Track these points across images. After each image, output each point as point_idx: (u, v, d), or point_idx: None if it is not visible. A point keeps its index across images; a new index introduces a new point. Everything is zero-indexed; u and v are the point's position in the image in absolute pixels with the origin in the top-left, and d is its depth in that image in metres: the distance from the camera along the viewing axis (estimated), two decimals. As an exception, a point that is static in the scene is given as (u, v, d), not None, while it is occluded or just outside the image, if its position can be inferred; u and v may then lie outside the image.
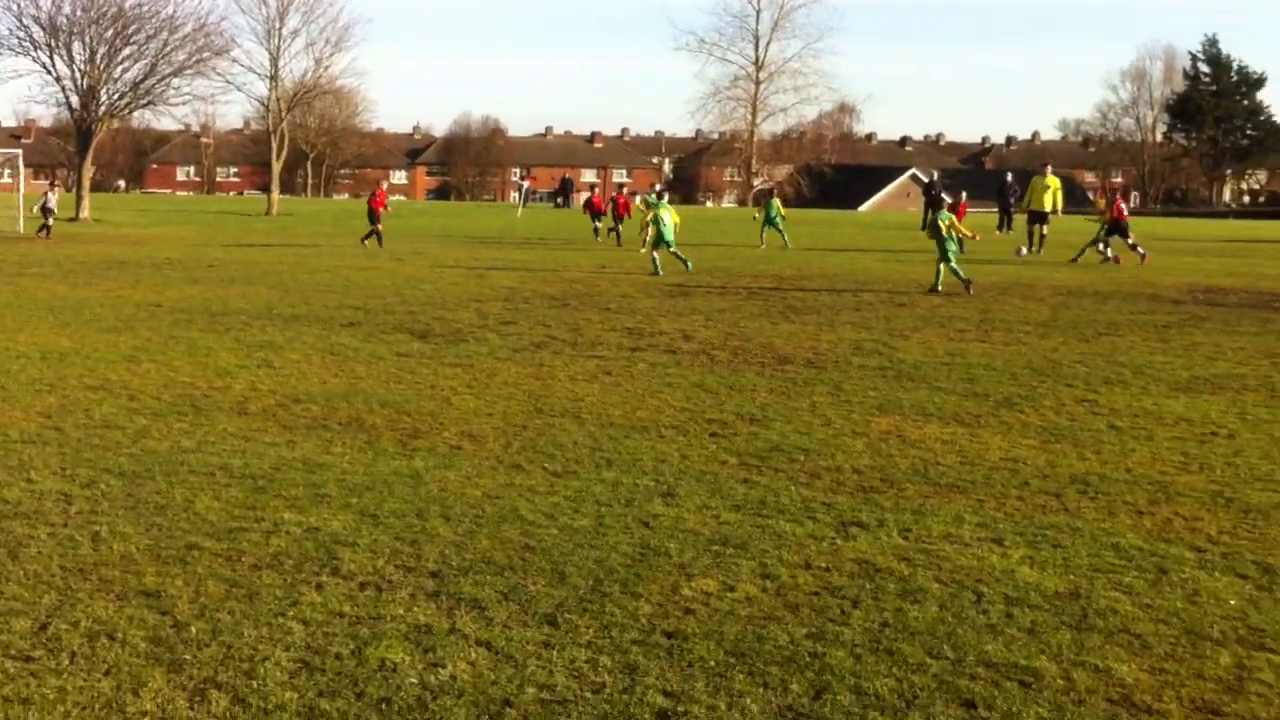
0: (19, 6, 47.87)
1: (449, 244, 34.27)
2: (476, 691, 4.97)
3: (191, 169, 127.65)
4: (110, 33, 49.03)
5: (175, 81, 50.64)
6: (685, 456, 9.00)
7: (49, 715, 4.73)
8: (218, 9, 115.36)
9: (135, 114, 59.07)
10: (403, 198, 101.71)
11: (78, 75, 49.29)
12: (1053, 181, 32.65)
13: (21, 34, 48.19)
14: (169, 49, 49.59)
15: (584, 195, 54.88)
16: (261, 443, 9.21)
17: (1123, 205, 28.77)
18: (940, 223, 20.76)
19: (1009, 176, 45.43)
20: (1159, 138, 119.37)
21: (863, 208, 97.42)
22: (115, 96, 50.53)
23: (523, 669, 5.18)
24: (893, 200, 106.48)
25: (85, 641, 5.38)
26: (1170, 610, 5.97)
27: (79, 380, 11.64)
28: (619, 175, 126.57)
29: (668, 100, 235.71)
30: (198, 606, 5.81)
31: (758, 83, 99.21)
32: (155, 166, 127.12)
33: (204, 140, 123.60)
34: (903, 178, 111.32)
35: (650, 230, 25.98)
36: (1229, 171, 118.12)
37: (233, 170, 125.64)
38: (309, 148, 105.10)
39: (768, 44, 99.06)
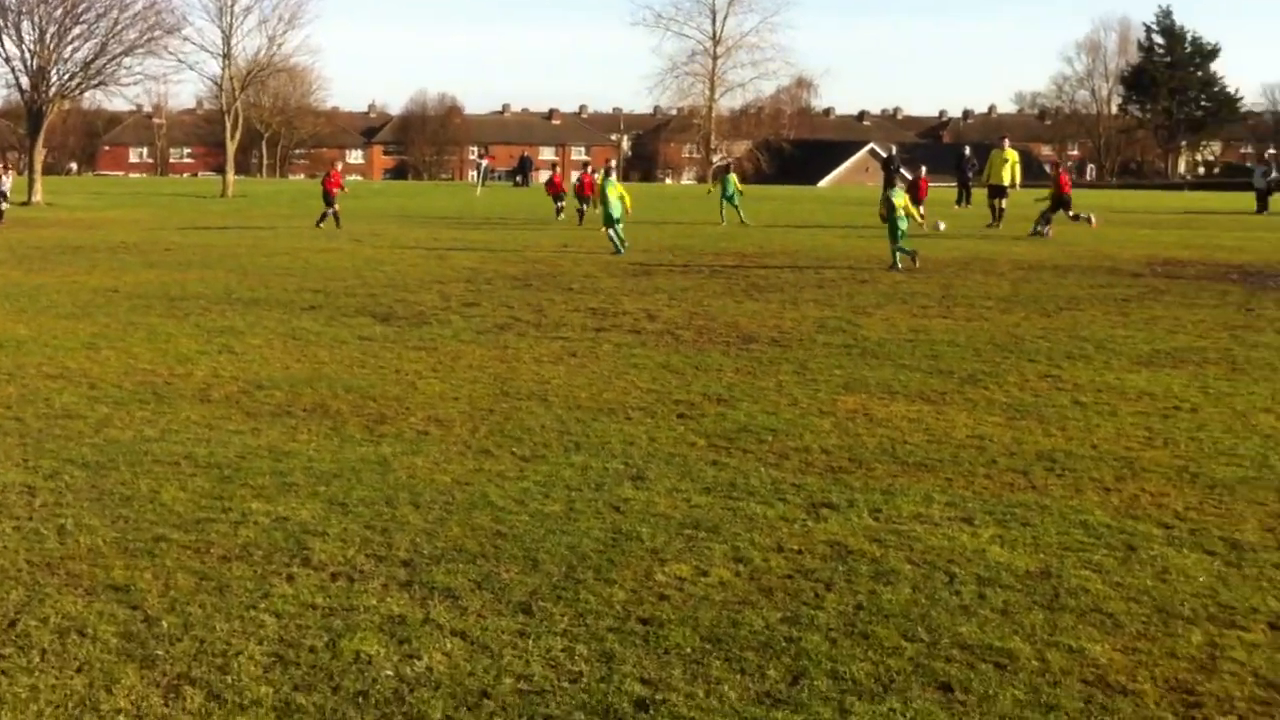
0: (-35, -13, 47.18)
1: (408, 224, 34.05)
2: (453, 683, 4.95)
3: (144, 150, 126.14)
4: (59, 12, 48.48)
5: (126, 61, 50.21)
6: (654, 439, 8.99)
7: (22, 714, 4.67)
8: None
9: (86, 95, 58.45)
10: (360, 178, 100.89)
11: (27, 56, 48.71)
12: (1011, 155, 32.77)
13: (-31, 15, 47.52)
14: (119, 28, 49.11)
15: (544, 174, 54.63)
16: (226, 431, 9.13)
17: (1066, 179, 29.22)
18: (895, 200, 20.84)
19: (967, 150, 45.54)
20: (1114, 110, 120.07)
21: (822, 183, 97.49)
22: (66, 77, 50.00)
23: (499, 659, 5.16)
24: (852, 175, 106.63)
25: (55, 638, 5.32)
26: (1141, 588, 6.02)
27: (37, 369, 11.49)
28: (577, 153, 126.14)
29: (625, 76, 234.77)
30: (168, 600, 5.75)
31: (715, 58, 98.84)
32: (108, 148, 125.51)
33: (156, 121, 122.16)
34: (861, 152, 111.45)
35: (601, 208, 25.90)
36: (1184, 143, 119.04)
37: (186, 151, 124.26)
38: (264, 127, 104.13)
39: (724, 18, 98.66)
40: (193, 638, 5.34)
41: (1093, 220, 28.49)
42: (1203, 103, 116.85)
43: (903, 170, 46.21)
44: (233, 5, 57.50)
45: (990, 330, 14.25)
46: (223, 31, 58.13)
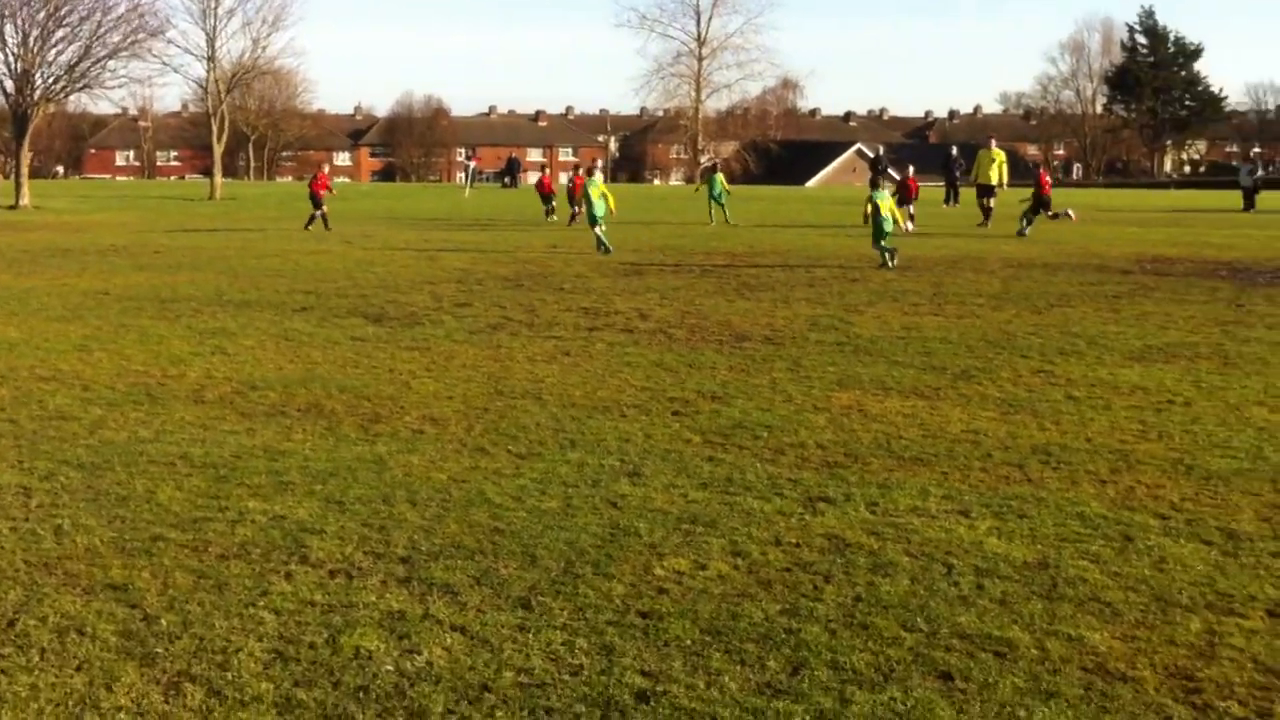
0: (-52, -9, 46.99)
1: (397, 226, 34.01)
2: (454, 677, 4.95)
3: (131, 153, 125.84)
4: (42, 15, 48.18)
5: (110, 64, 49.87)
6: (649, 436, 9.00)
7: (22, 713, 4.66)
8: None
9: (71, 98, 58.20)
10: (347, 180, 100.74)
11: (11, 59, 48.42)
12: (998, 155, 32.84)
13: (-48, 19, 47.33)
14: (103, 30, 48.81)
15: (532, 176, 54.54)
16: (220, 431, 9.11)
17: (1047, 179, 29.30)
18: (879, 202, 20.87)
19: (954, 150, 45.74)
20: (1099, 110, 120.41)
21: (810, 183, 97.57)
22: (50, 80, 49.69)
23: (499, 653, 5.16)
24: (839, 175, 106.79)
25: (55, 637, 5.30)
26: (1138, 578, 6.04)
27: (30, 371, 11.46)
28: (565, 154, 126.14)
29: (612, 78, 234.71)
30: (167, 599, 5.74)
31: (700, 59, 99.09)
32: (94, 151, 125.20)
33: (142, 124, 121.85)
34: (848, 153, 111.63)
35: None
36: (1169, 142, 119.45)
37: (173, 154, 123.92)
38: (250, 130, 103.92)
39: (709, 19, 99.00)
40: (192, 635, 5.33)
41: (1072, 215, 28.63)
42: (1187, 102, 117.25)
43: (890, 170, 46.40)
44: (216, 8, 57.31)
45: (982, 327, 14.28)
46: (207, 34, 57.95)
